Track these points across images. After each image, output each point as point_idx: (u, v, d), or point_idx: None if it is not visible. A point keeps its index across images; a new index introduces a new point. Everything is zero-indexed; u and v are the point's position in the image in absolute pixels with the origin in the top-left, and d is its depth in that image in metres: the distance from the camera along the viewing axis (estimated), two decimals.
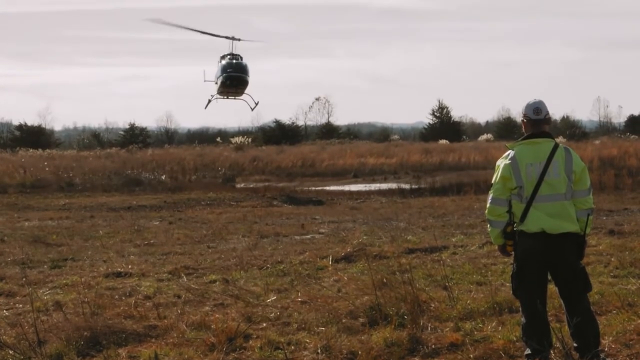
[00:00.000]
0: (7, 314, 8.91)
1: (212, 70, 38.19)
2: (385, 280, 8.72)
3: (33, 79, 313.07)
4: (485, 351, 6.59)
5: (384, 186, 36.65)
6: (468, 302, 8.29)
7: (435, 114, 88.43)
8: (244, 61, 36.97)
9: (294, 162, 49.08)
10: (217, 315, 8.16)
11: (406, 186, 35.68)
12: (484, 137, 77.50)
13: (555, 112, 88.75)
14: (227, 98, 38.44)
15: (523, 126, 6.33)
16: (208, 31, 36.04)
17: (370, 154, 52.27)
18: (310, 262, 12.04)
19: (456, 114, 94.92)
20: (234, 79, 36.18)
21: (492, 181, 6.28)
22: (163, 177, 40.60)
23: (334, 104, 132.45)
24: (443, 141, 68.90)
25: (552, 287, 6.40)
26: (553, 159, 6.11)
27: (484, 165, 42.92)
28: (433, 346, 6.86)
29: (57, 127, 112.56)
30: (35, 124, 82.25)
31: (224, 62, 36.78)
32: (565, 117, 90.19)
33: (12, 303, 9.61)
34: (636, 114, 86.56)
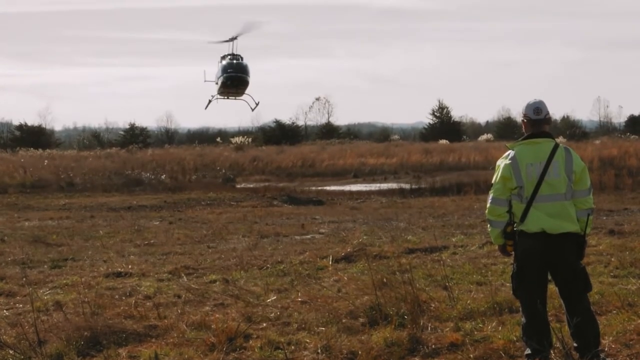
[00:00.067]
0: (7, 313, 8.91)
1: (213, 70, 38.18)
2: (385, 280, 8.72)
3: (33, 79, 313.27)
4: (486, 351, 6.59)
5: (384, 186, 36.66)
6: (468, 302, 8.29)
7: (436, 114, 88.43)
8: (245, 61, 36.97)
9: (294, 162, 49.09)
10: (217, 315, 8.16)
11: (406, 186, 35.69)
12: (484, 137, 77.50)
13: (556, 112, 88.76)
14: (228, 98, 38.41)
15: (523, 126, 6.33)
16: (213, 40, 36.10)
17: (371, 154, 52.29)
18: (310, 262, 12.04)
19: (456, 114, 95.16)
20: (234, 79, 36.15)
21: (492, 181, 6.28)
22: (163, 177, 40.59)
23: (334, 104, 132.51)
24: (443, 141, 68.90)
25: (552, 287, 6.40)
26: (553, 159, 6.11)
27: (484, 165, 42.91)
28: (433, 346, 6.87)
29: (57, 127, 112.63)
30: (36, 124, 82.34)
31: (224, 62, 36.75)
32: (566, 117, 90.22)
33: (12, 303, 9.61)
34: (636, 114, 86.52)
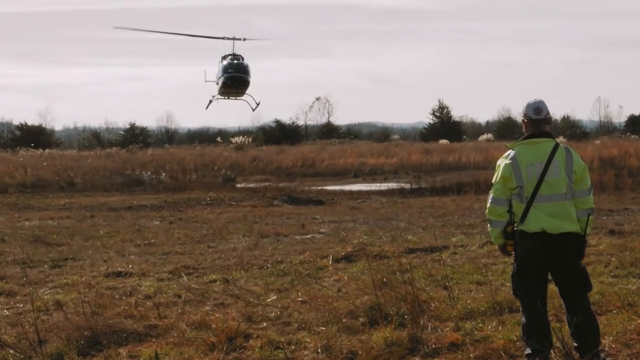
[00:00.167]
0: (7, 313, 8.91)
1: (213, 70, 38.16)
2: (385, 280, 8.72)
3: (33, 79, 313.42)
4: (486, 351, 6.59)
5: (384, 186, 36.66)
6: (468, 301, 8.29)
7: (436, 113, 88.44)
8: (245, 61, 36.94)
9: (294, 162, 49.09)
10: (217, 315, 8.17)
11: (406, 186, 35.69)
12: (484, 137, 77.52)
13: (556, 112, 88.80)
14: (228, 98, 38.39)
15: (523, 126, 6.33)
16: (212, 36, 36.03)
17: (371, 154, 52.29)
18: (310, 262, 12.04)
19: (456, 113, 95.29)
20: (235, 80, 36.12)
21: (493, 181, 6.28)
22: (163, 176, 40.59)
23: (334, 103, 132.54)
24: (443, 141, 68.90)
25: (552, 287, 6.40)
26: (553, 159, 6.11)
27: (484, 165, 42.91)
28: (433, 346, 6.87)
29: (58, 127, 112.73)
30: (36, 123, 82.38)
31: (225, 62, 36.73)
32: (566, 117, 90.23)
33: (12, 302, 9.62)
34: (636, 113, 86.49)
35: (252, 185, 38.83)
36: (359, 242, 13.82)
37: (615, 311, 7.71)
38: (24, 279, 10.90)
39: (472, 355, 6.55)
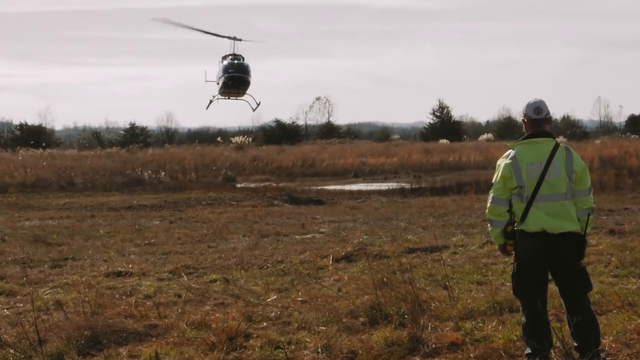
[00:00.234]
0: (7, 313, 8.91)
1: (214, 70, 38.14)
2: (385, 279, 8.72)
3: (33, 79, 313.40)
4: (486, 350, 6.60)
5: (385, 186, 36.68)
6: (468, 301, 8.29)
7: (436, 113, 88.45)
8: (246, 61, 36.92)
9: (294, 161, 49.10)
10: (217, 315, 8.17)
11: (407, 186, 35.71)
12: (485, 136, 77.53)
13: (556, 112, 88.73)
14: (229, 98, 38.36)
15: (524, 126, 6.33)
16: (212, 31, 36.00)
17: (371, 154, 52.30)
18: (310, 262, 12.04)
19: (456, 113, 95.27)
20: (235, 80, 36.09)
21: (493, 181, 6.28)
22: (163, 176, 40.59)
23: (334, 103, 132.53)
24: (443, 141, 68.91)
25: (552, 287, 6.40)
26: (554, 159, 6.11)
27: (484, 165, 42.93)
28: (433, 345, 6.87)
29: (58, 126, 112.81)
30: (36, 123, 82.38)
31: (225, 62, 36.69)
32: (566, 116, 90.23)
33: (12, 302, 9.62)
34: (637, 113, 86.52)
35: (252, 185, 38.83)
36: (359, 241, 13.82)
37: (615, 311, 7.71)
38: (24, 278, 10.90)
39: (472, 355, 6.55)
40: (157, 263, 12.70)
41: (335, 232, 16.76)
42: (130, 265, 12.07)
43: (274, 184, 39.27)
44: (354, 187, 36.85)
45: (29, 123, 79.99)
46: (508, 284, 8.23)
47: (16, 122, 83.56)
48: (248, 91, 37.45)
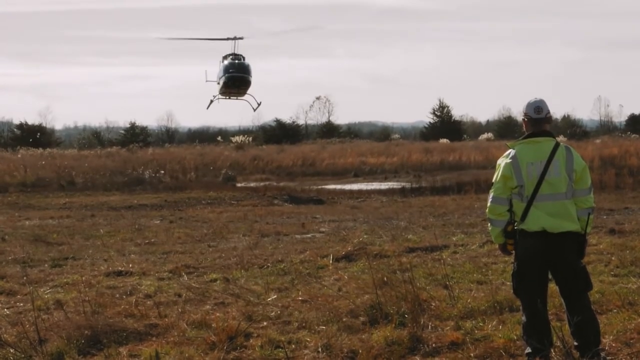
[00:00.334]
0: (8, 312, 8.91)
1: (214, 70, 38.18)
2: (385, 279, 8.72)
3: (33, 79, 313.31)
4: (486, 350, 6.60)
5: (385, 185, 36.67)
6: (469, 301, 8.29)
7: (436, 113, 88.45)
8: (246, 61, 36.90)
9: (294, 161, 49.09)
10: (217, 314, 8.17)
11: (407, 185, 35.69)
12: (485, 136, 77.57)
13: (556, 111, 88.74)
14: (230, 98, 38.37)
15: (524, 125, 6.33)
16: (213, 37, 36.03)
17: (371, 153, 52.28)
18: (310, 261, 12.04)
19: (457, 113, 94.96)
20: (236, 80, 36.09)
21: (493, 180, 6.28)
22: (163, 175, 40.59)
23: (335, 103, 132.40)
24: (444, 140, 68.93)
25: (552, 286, 6.41)
26: (554, 158, 6.11)
27: (484, 165, 42.92)
28: (434, 345, 6.87)
29: (58, 126, 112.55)
30: (36, 123, 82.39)
31: (226, 62, 36.70)
32: (566, 116, 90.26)
33: (13, 302, 9.62)
34: (637, 113, 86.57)
35: (252, 185, 38.82)
36: (359, 241, 13.82)
37: (615, 310, 7.71)
38: (25, 278, 10.90)
39: (472, 355, 6.55)
40: (157, 262, 12.70)
41: (336, 231, 16.77)
42: (130, 265, 12.07)
43: (274, 184, 39.26)
44: (354, 186, 36.84)
45: (29, 123, 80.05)
46: (508, 283, 8.23)
47: (16, 121, 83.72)
48: (249, 91, 37.47)
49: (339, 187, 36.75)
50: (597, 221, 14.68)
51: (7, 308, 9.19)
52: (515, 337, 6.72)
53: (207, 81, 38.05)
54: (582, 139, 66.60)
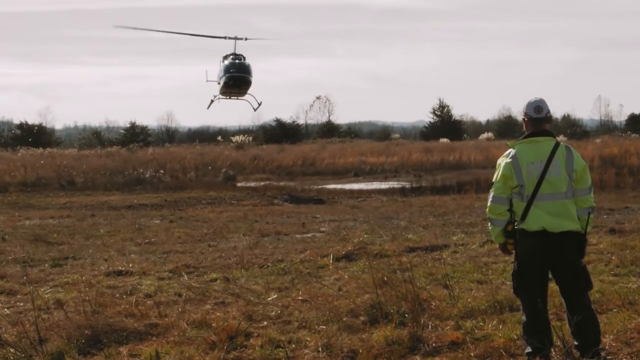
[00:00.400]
0: (8, 312, 8.91)
1: (214, 69, 38.10)
2: (386, 278, 8.73)
3: (34, 79, 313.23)
4: (486, 349, 6.60)
5: (385, 185, 36.67)
6: (469, 300, 8.30)
7: (436, 112, 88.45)
8: (247, 61, 36.84)
9: (294, 160, 49.09)
10: (217, 314, 8.18)
11: (407, 185, 35.70)
12: (485, 135, 77.58)
13: (556, 111, 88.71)
14: (230, 98, 38.30)
15: (524, 125, 6.33)
16: (213, 36, 36.01)
17: (371, 153, 52.28)
18: (311, 261, 12.04)
19: (457, 112, 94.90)
20: (236, 80, 36.01)
21: (493, 180, 6.28)
22: (164, 175, 40.59)
23: (335, 103, 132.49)
24: (444, 140, 68.95)
25: (552, 286, 6.41)
26: (554, 158, 6.11)
27: (484, 164, 42.93)
28: (434, 344, 6.87)
29: (58, 126, 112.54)
30: (36, 122, 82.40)
31: (226, 62, 36.62)
32: (566, 115, 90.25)
33: (13, 301, 9.62)
34: (637, 112, 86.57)
35: (252, 184, 38.82)
36: (360, 240, 13.82)
37: (615, 310, 7.72)
38: (25, 277, 10.91)
39: (472, 354, 6.55)
40: (157, 262, 12.70)
41: (336, 231, 16.77)
42: (130, 265, 12.07)
43: (275, 183, 39.26)
44: (355, 186, 36.84)
45: (29, 122, 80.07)
46: (508, 282, 8.23)
47: (16, 121, 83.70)
48: (249, 91, 37.41)
49: (339, 186, 36.75)
50: (597, 221, 14.68)
51: (7, 308, 9.19)
52: (515, 337, 6.72)
53: (207, 81, 37.99)
54: (582, 139, 66.62)
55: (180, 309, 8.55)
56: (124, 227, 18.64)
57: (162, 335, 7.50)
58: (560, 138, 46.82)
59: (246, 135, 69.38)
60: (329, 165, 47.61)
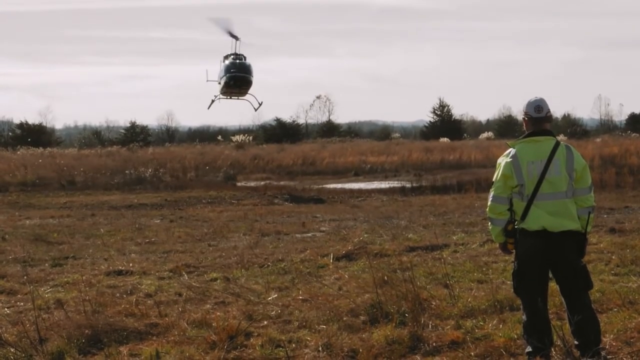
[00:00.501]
0: (8, 312, 8.91)
1: (215, 69, 38.10)
2: (386, 278, 8.73)
3: (34, 79, 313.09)
4: (486, 349, 6.60)
5: (385, 184, 36.66)
6: (469, 300, 8.29)
7: (436, 112, 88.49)
8: (248, 61, 36.81)
9: (294, 160, 49.09)
10: (218, 313, 8.18)
11: (407, 184, 35.68)
12: (485, 135, 77.63)
13: (556, 110, 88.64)
14: (231, 98, 38.29)
15: (524, 124, 6.32)
16: (214, 36, 36.07)
17: (371, 152, 52.29)
18: (311, 260, 12.05)
19: (457, 112, 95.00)
20: (237, 80, 35.98)
21: (493, 179, 6.28)
22: (164, 174, 40.59)
23: (335, 102, 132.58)
24: (444, 139, 69.00)
25: (553, 285, 6.41)
26: (554, 157, 6.11)
27: (484, 164, 42.93)
28: (434, 344, 6.87)
29: (58, 125, 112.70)
30: (36, 122, 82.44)
31: (227, 62, 36.59)
32: (567, 115, 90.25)
33: (13, 301, 9.63)
34: (637, 112, 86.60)
35: (252, 184, 38.81)
36: (360, 240, 13.82)
37: (615, 309, 7.72)
38: (25, 277, 10.91)
39: (472, 354, 6.55)
40: (157, 262, 12.70)
41: (336, 230, 16.77)
42: (130, 264, 12.07)
43: (275, 183, 39.25)
44: (355, 185, 36.83)
45: (30, 122, 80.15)
46: (509, 282, 8.23)
47: (17, 121, 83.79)
48: (250, 91, 37.40)
49: (339, 186, 36.74)
50: (597, 220, 14.68)
51: (7, 307, 9.19)
52: (515, 336, 6.72)
53: (208, 81, 37.99)
54: (583, 138, 66.65)
55: (180, 309, 8.55)
56: (124, 227, 18.64)
57: (163, 335, 7.50)
58: (561, 137, 46.72)
59: (246, 135, 69.39)
60: (329, 164, 47.61)
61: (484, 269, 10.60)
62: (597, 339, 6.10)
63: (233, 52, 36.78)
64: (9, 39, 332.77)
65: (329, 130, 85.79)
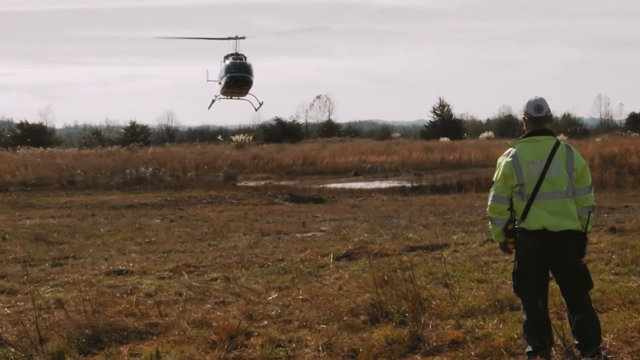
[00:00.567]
0: (8, 311, 8.91)
1: (215, 69, 38.11)
2: (386, 277, 8.73)
3: (34, 78, 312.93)
4: (487, 349, 6.59)
5: (385, 184, 36.66)
6: (469, 299, 8.29)
7: (436, 111, 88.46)
8: (248, 61, 36.80)
9: (294, 160, 49.10)
10: (218, 313, 8.18)
11: (407, 184, 35.68)
12: (485, 134, 77.64)
13: (557, 110, 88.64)
14: (231, 98, 38.28)
15: (524, 124, 6.32)
16: (213, 36, 36.06)
17: (371, 152, 52.28)
18: (311, 260, 12.04)
19: (457, 111, 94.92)
20: (238, 80, 35.98)
21: (494, 179, 6.28)
22: (164, 174, 40.59)
23: (335, 102, 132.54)
24: (444, 139, 68.98)
25: (553, 285, 6.41)
26: (554, 157, 6.11)
27: (485, 163, 42.93)
28: (434, 344, 6.87)
29: (58, 125, 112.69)
30: (36, 122, 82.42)
31: (227, 62, 36.59)
32: (567, 114, 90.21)
33: (13, 301, 9.63)
34: (637, 111, 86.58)
35: (252, 184, 38.82)
36: (360, 240, 13.82)
37: (616, 309, 7.71)
38: (25, 277, 10.91)
39: (473, 353, 6.55)
40: (157, 261, 12.70)
41: (336, 230, 16.77)
42: (131, 264, 12.07)
43: (275, 183, 39.26)
44: (355, 185, 36.83)
45: (30, 122, 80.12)
46: (509, 282, 8.23)
47: (17, 121, 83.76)
48: (250, 91, 37.39)
49: (339, 185, 36.74)
50: (597, 220, 14.68)
51: (7, 307, 9.19)
52: (515, 336, 6.72)
53: (208, 81, 38.02)
54: (583, 138, 66.66)
55: (180, 309, 8.55)
56: (125, 227, 18.64)
57: (163, 335, 7.50)
58: (561, 137, 46.67)
59: (246, 135, 69.39)
60: (329, 164, 47.62)
61: (484, 268, 10.60)
62: (598, 338, 6.10)
63: (233, 52, 36.77)
64: (9, 39, 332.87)
65: (329, 130, 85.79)
